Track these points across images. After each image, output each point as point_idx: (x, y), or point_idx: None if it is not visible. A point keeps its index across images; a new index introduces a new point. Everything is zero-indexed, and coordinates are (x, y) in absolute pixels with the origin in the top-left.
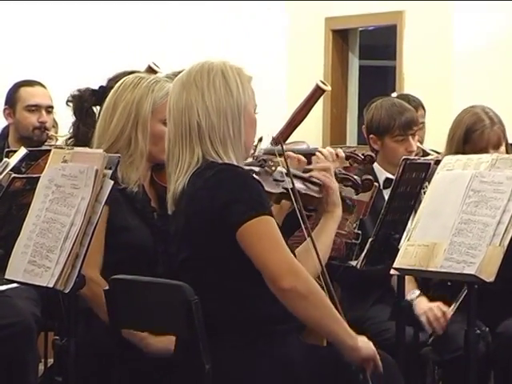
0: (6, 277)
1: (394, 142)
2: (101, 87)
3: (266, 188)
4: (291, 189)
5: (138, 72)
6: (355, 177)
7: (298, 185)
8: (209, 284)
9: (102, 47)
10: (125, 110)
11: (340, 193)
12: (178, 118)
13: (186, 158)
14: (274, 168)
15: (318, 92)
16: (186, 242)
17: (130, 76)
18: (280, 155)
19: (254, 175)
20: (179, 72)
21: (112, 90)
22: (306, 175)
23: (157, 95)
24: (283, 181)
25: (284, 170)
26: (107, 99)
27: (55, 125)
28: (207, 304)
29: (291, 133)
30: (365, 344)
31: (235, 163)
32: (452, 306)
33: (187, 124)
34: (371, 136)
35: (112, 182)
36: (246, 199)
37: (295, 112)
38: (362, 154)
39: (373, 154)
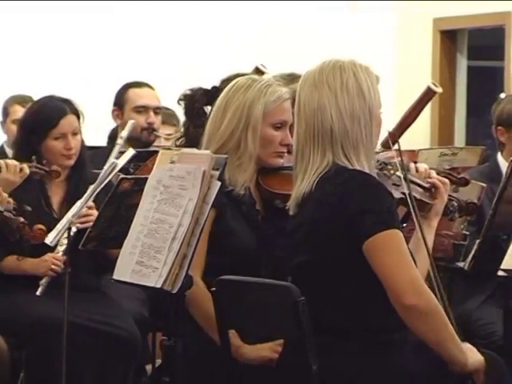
0: (114, 277)
1: None
2: (213, 87)
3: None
4: (408, 194)
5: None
6: (460, 199)
7: (414, 191)
8: (325, 289)
9: (209, 48)
10: (236, 112)
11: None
12: (309, 118)
13: (317, 161)
14: (392, 171)
15: (429, 94)
16: (307, 245)
17: (243, 78)
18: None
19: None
20: (288, 74)
21: (223, 91)
22: (420, 181)
23: (269, 99)
24: (400, 185)
25: (401, 175)
26: (218, 100)
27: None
28: (321, 308)
29: (402, 134)
30: (473, 358)
31: (366, 169)
32: None
33: (319, 126)
34: (499, 128)
35: (219, 183)
36: (377, 211)
37: (406, 113)
38: (458, 173)
39: (467, 177)
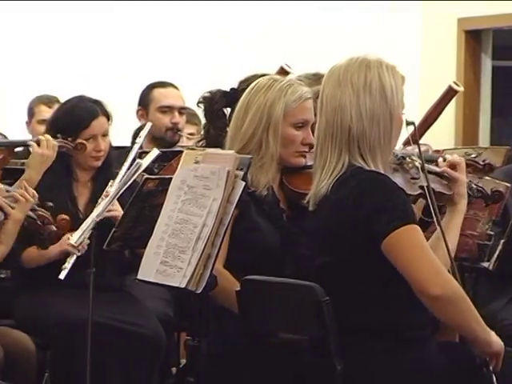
0: (139, 277)
1: None
2: (232, 89)
3: (406, 191)
4: (426, 187)
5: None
6: (485, 188)
7: (432, 182)
8: (348, 290)
9: (232, 49)
10: (257, 112)
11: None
12: (330, 115)
13: (333, 161)
14: (411, 165)
15: (450, 93)
16: (327, 247)
17: (264, 78)
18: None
19: (393, 172)
20: (313, 74)
21: (245, 92)
22: (438, 169)
23: (289, 99)
24: (419, 178)
25: (419, 165)
26: (240, 101)
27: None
28: (344, 308)
29: (424, 133)
30: (496, 338)
31: (381, 171)
32: None
33: (339, 125)
34: None
35: (244, 183)
36: (390, 209)
37: (428, 112)
38: (483, 161)
39: (492, 163)
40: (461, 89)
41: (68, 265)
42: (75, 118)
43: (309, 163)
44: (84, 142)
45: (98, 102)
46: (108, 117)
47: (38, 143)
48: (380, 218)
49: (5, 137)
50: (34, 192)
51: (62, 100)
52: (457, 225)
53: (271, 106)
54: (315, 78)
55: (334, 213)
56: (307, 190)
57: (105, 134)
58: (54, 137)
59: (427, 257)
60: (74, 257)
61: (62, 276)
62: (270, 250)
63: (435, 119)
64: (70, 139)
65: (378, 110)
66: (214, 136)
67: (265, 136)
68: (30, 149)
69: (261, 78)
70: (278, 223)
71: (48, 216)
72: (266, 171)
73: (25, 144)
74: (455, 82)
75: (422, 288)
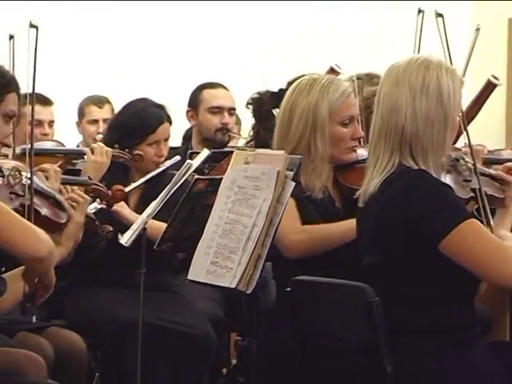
0: (189, 277)
1: None
2: (280, 90)
3: (458, 194)
4: (479, 189)
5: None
6: None
7: (485, 184)
8: (397, 289)
9: (282, 49)
10: (301, 116)
11: None
12: (385, 114)
13: (385, 160)
14: (464, 167)
15: (489, 87)
16: (374, 247)
17: (303, 79)
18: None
19: (447, 174)
20: (365, 74)
21: (287, 95)
22: (493, 172)
23: (332, 97)
24: (471, 180)
25: (471, 166)
26: (283, 104)
27: (238, 122)
28: (393, 308)
29: (465, 128)
30: None
31: (432, 173)
32: None
33: (393, 124)
34: None
35: (293, 184)
36: (445, 208)
37: (468, 108)
38: None
39: None
40: (499, 83)
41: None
42: (142, 123)
43: (360, 158)
44: (141, 153)
45: (162, 107)
46: (170, 122)
47: (93, 151)
48: (434, 217)
49: (62, 144)
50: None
51: (113, 101)
52: (506, 227)
53: (315, 107)
54: (367, 78)
55: (381, 212)
56: (361, 186)
57: (166, 139)
58: (111, 146)
59: (494, 246)
60: None
61: None
62: (327, 252)
63: (475, 114)
64: (126, 150)
65: (433, 112)
66: (263, 137)
67: (312, 138)
68: (85, 157)
69: (300, 80)
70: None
71: (103, 188)
72: (319, 174)
73: (80, 152)
74: (494, 76)
75: (497, 279)
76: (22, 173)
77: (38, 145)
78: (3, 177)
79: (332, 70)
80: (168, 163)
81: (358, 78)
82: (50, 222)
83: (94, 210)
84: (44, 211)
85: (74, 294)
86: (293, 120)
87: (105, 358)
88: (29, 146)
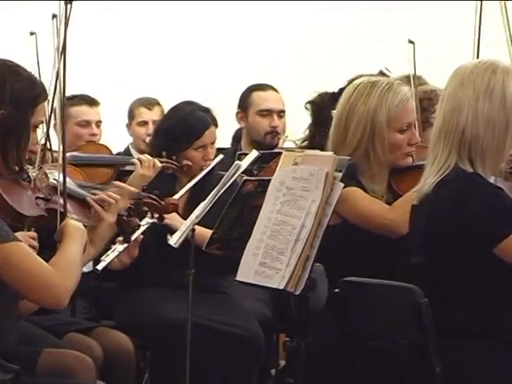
0: (237, 278)
1: None
2: (340, 90)
3: None
4: None
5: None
6: None
7: None
8: (446, 290)
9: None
10: (360, 122)
11: None
12: (447, 114)
13: (442, 159)
14: None
15: None
16: (424, 248)
17: (363, 82)
18: None
19: (503, 180)
20: (405, 76)
21: (344, 98)
22: None
23: (391, 104)
24: None
25: None
26: (340, 107)
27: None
28: (442, 309)
29: None
30: None
31: (489, 178)
32: None
33: (454, 125)
34: None
35: (342, 185)
36: (502, 211)
37: None
38: None
39: None
40: None
41: (107, 258)
42: (188, 127)
43: (416, 162)
44: (190, 163)
45: (208, 111)
46: (217, 125)
47: (142, 163)
48: (491, 220)
49: (110, 151)
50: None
51: (162, 102)
52: None
53: (373, 115)
54: (406, 81)
55: (433, 213)
56: None
57: (213, 143)
58: (159, 154)
59: None
60: (115, 253)
61: (99, 267)
62: (381, 258)
63: None
64: (174, 158)
65: (494, 116)
66: (318, 138)
67: (371, 145)
68: (133, 167)
69: (358, 82)
70: None
71: (156, 202)
72: (379, 183)
73: (129, 163)
74: None
75: None
76: (49, 176)
77: (88, 154)
78: (30, 181)
79: (381, 74)
80: (213, 163)
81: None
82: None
83: (146, 225)
84: (71, 213)
85: (123, 295)
86: (350, 125)
87: (154, 358)
88: (76, 154)
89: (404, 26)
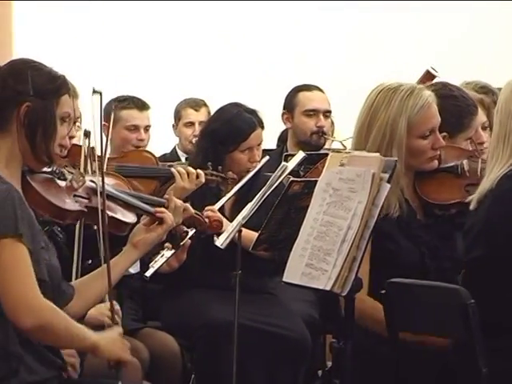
0: (284, 280)
1: None
2: None
3: None
4: None
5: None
6: None
7: None
8: (500, 285)
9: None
10: (379, 130)
11: None
12: (504, 119)
13: (503, 161)
14: None
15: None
16: (482, 241)
17: (384, 89)
18: None
19: None
20: (481, 87)
21: (366, 105)
22: None
23: (411, 112)
24: None
25: None
26: (362, 113)
27: (331, 124)
28: (491, 308)
29: None
30: None
31: None
32: None
33: (510, 129)
34: None
35: (389, 186)
36: None
37: None
38: None
39: None
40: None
41: (156, 264)
42: (234, 130)
43: (442, 165)
44: (235, 177)
45: (254, 113)
46: (263, 127)
47: (182, 176)
48: None
49: (156, 161)
50: None
51: (209, 103)
52: None
53: (393, 123)
54: (482, 91)
55: (494, 206)
56: (439, 201)
57: (259, 145)
58: (204, 165)
59: None
60: (163, 259)
61: (147, 274)
62: (411, 266)
63: None
64: (220, 168)
65: None
66: None
67: (389, 152)
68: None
69: (380, 88)
70: (418, 240)
71: (201, 218)
72: (394, 188)
73: (170, 174)
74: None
75: None
76: (86, 176)
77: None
78: (65, 180)
79: (428, 74)
80: (259, 165)
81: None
82: (117, 222)
83: (191, 233)
84: (110, 213)
85: (169, 297)
86: (371, 134)
87: (200, 359)
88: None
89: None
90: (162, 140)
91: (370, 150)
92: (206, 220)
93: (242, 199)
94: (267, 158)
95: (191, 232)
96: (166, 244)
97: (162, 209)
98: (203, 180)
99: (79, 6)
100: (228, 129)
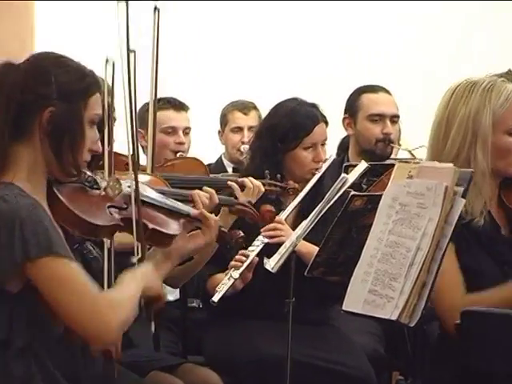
0: (344, 308)
1: None
2: None
3: None
4: None
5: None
6: None
7: None
8: None
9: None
10: (460, 127)
11: None
12: None
13: None
14: None
15: None
16: None
17: (461, 83)
18: None
19: None
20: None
21: (442, 103)
22: None
23: (495, 104)
24: None
25: None
26: (438, 114)
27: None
28: None
29: None
30: None
31: None
32: None
33: None
34: None
35: (463, 201)
36: None
37: None
38: None
39: None
40: None
41: (223, 287)
42: (296, 123)
43: None
44: (297, 186)
45: (315, 106)
46: (326, 122)
47: (243, 187)
48: None
49: (206, 169)
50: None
51: (259, 106)
52: None
53: (475, 117)
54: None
55: None
56: None
57: (324, 143)
58: (261, 177)
59: None
60: (231, 280)
61: (215, 299)
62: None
63: None
64: (278, 176)
65: None
66: None
67: (473, 151)
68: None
69: (456, 84)
70: (500, 258)
71: (251, 210)
72: (478, 193)
73: (227, 186)
74: None
75: None
76: (122, 182)
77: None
78: (98, 189)
79: (510, 73)
80: (324, 166)
81: None
82: (159, 234)
83: (261, 246)
84: (152, 225)
85: (212, 327)
86: (450, 132)
87: None
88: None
89: None
90: (206, 149)
91: (449, 150)
92: (258, 214)
93: (304, 209)
94: (332, 157)
95: (258, 247)
96: (232, 263)
97: (204, 211)
98: (262, 190)
99: None
100: (288, 123)
